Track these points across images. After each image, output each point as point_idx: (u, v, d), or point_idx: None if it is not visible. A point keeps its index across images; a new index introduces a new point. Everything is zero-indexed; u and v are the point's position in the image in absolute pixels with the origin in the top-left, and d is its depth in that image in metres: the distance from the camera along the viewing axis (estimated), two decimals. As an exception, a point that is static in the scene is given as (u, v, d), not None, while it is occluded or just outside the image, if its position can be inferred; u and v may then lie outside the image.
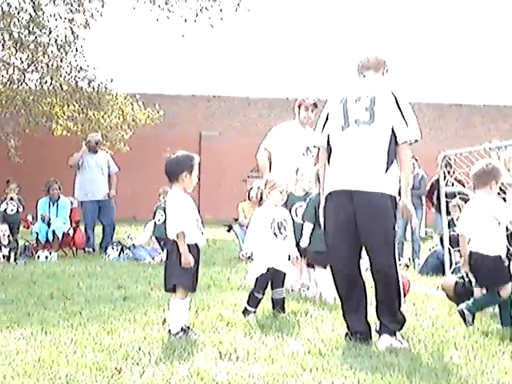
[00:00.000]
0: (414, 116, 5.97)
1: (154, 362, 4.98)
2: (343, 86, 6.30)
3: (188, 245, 5.91)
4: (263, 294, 7.06)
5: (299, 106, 9.82)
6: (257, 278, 7.08)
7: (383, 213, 5.89)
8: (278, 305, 7.12)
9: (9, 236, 12.78)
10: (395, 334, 5.83)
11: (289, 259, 7.41)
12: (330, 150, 6.13)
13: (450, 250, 9.64)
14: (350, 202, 5.91)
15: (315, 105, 9.79)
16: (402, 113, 5.90)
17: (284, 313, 7.07)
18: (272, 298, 7.16)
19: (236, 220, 14.47)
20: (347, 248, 6.00)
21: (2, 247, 12.56)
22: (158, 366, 4.87)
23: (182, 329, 5.86)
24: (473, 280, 6.93)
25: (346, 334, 5.90)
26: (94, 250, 14.27)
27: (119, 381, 4.51)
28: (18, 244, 13.05)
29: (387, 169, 5.86)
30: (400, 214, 6.04)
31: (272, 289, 7.15)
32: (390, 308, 5.92)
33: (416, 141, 5.99)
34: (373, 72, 6.22)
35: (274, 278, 7.12)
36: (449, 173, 10.12)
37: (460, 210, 9.09)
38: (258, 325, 6.44)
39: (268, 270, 7.05)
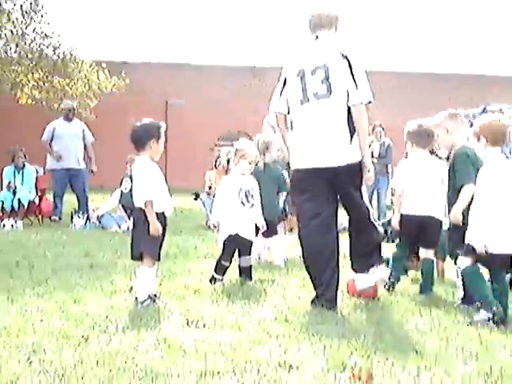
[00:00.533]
0: (365, 77, 5.93)
1: (121, 330, 4.96)
2: (298, 52, 6.26)
3: (155, 213, 5.90)
4: (230, 262, 7.08)
5: None
6: (224, 246, 7.09)
7: (355, 179, 6.03)
8: (245, 272, 7.15)
9: (-26, 205, 12.70)
10: (368, 270, 5.98)
11: (256, 228, 7.43)
12: (291, 123, 6.15)
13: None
14: (320, 178, 5.97)
15: None
16: (352, 75, 5.87)
17: (251, 280, 7.10)
18: (239, 266, 7.18)
19: (209, 188, 14.35)
20: (325, 218, 6.06)
21: (-33, 216, 12.48)
22: (124, 334, 4.86)
23: (149, 297, 5.85)
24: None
25: (313, 301, 5.95)
26: (60, 218, 14.15)
27: (86, 349, 4.49)
28: (-18, 213, 12.93)
29: (351, 138, 5.90)
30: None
31: (239, 256, 7.18)
32: (368, 253, 6.12)
33: (369, 102, 5.94)
34: (326, 30, 6.18)
35: (240, 245, 7.13)
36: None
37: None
38: (225, 292, 6.46)
39: (233, 236, 7.07)
